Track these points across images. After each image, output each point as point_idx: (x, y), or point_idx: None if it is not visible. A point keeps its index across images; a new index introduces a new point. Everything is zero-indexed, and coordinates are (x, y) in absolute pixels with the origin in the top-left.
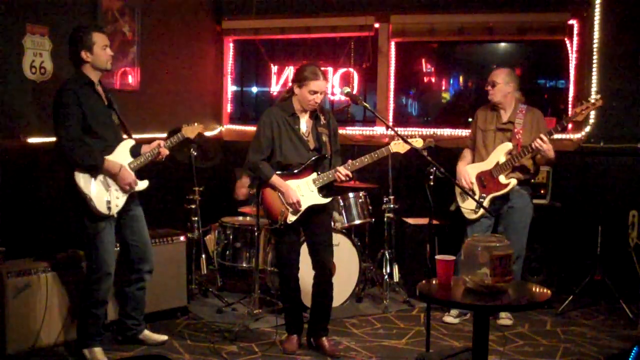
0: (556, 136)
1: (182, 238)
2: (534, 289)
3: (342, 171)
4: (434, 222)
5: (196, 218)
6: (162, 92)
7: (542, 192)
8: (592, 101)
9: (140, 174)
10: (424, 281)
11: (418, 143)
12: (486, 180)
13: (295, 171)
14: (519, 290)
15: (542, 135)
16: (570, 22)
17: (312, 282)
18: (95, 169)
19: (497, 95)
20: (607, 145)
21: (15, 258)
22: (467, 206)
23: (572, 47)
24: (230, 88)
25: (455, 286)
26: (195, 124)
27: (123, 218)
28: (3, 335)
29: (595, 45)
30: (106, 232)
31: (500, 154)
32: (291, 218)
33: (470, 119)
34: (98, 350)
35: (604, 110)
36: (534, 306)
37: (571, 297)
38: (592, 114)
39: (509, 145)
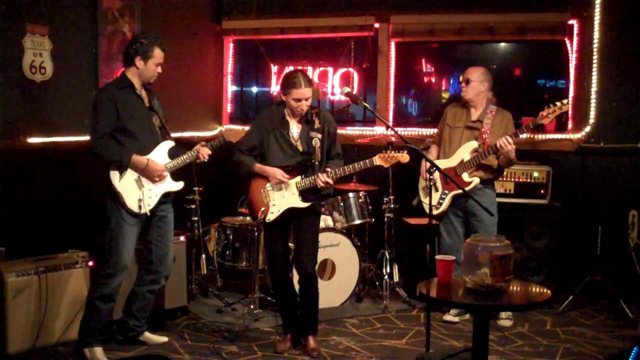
0: (556, 136)
1: (182, 238)
2: (534, 289)
3: (322, 178)
4: (434, 222)
5: (196, 218)
6: (162, 91)
7: (542, 192)
8: (559, 105)
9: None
10: (424, 281)
11: (404, 158)
12: (450, 177)
13: None
14: (519, 290)
15: (507, 137)
16: (570, 22)
17: None
18: (120, 165)
19: (470, 92)
20: (607, 145)
21: (15, 258)
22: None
23: (572, 47)
24: (230, 88)
25: (455, 286)
26: (237, 127)
27: (154, 218)
28: (3, 335)
29: (595, 45)
30: (131, 229)
31: (465, 151)
32: (269, 217)
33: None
34: (98, 350)
35: (604, 110)
36: (534, 306)
37: (571, 297)
38: (592, 114)
39: (474, 144)
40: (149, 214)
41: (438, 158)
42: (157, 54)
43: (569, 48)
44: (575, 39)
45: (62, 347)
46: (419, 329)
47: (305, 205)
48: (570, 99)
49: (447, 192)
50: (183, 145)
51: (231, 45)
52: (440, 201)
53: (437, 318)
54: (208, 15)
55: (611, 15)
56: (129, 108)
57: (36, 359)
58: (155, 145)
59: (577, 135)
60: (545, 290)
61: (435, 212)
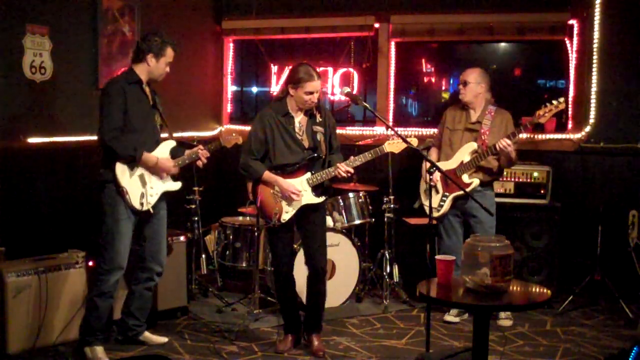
0: (556, 136)
1: (182, 238)
2: (534, 289)
3: (343, 167)
4: (434, 222)
5: (196, 218)
6: (162, 91)
7: (542, 192)
8: (555, 103)
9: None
10: (424, 281)
11: (413, 142)
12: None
13: (289, 170)
14: (519, 290)
15: (506, 139)
16: (570, 22)
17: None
18: (133, 160)
19: (468, 94)
20: (607, 145)
21: (15, 258)
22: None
23: (572, 47)
24: (230, 88)
25: (455, 286)
26: (234, 134)
27: (148, 214)
28: (3, 334)
29: (595, 45)
30: (127, 226)
31: (464, 153)
32: (284, 217)
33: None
34: (99, 349)
35: (604, 110)
36: (534, 306)
37: (571, 297)
38: (592, 114)
39: (473, 145)
40: (151, 211)
41: (438, 160)
42: (170, 53)
43: (569, 48)
44: (575, 39)
45: (62, 347)
46: (419, 329)
47: (320, 200)
48: (570, 98)
49: (447, 194)
50: (183, 146)
51: (231, 45)
52: (442, 203)
53: (437, 318)
54: (208, 15)
55: (611, 15)
56: (136, 104)
57: (36, 359)
58: (156, 144)
59: (577, 135)
60: (545, 290)
61: (436, 214)
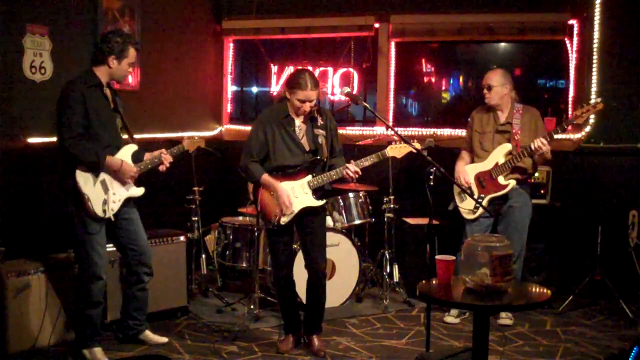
0: (556, 136)
1: (182, 238)
2: (534, 289)
3: (352, 168)
4: (434, 222)
5: (196, 218)
6: (162, 92)
7: (542, 192)
8: (593, 103)
9: (138, 179)
10: (424, 281)
11: (416, 146)
12: (485, 180)
13: (290, 172)
14: (519, 290)
15: (542, 139)
16: (570, 22)
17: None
18: (96, 166)
19: (495, 98)
20: (607, 145)
21: (15, 258)
22: (465, 206)
23: (572, 47)
24: (230, 88)
25: (455, 286)
26: (196, 137)
27: (119, 222)
28: (3, 335)
29: (595, 45)
30: (98, 235)
31: (499, 155)
32: (284, 219)
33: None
34: (98, 350)
35: (604, 110)
36: (534, 306)
37: (571, 297)
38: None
39: (508, 146)
40: (112, 218)
41: (472, 163)
42: (132, 53)
43: (569, 48)
44: (575, 39)
45: (62, 347)
46: (419, 329)
47: (320, 203)
48: (570, 99)
49: (483, 196)
50: (143, 150)
51: (231, 45)
52: (477, 205)
53: (437, 318)
54: (208, 15)
55: (611, 15)
56: (97, 109)
57: (36, 359)
58: (118, 148)
59: (577, 135)
60: (545, 290)
61: (472, 216)
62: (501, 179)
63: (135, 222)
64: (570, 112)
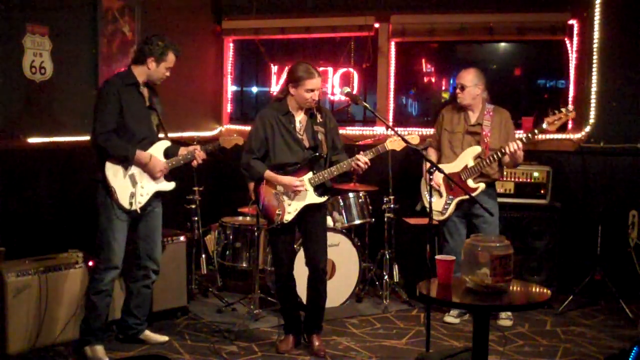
0: (556, 136)
1: (182, 238)
2: (534, 289)
3: (362, 158)
4: (434, 222)
5: (196, 218)
6: (162, 91)
7: (542, 192)
8: (565, 112)
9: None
10: (424, 281)
11: (414, 140)
12: (454, 182)
13: (290, 170)
14: (519, 290)
15: (517, 142)
16: (570, 22)
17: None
18: (126, 160)
19: (467, 98)
20: (607, 145)
21: (15, 258)
22: (434, 207)
23: (572, 47)
24: (230, 88)
25: (455, 286)
26: (234, 135)
27: (142, 214)
28: (3, 335)
29: (595, 45)
30: (121, 226)
31: (469, 157)
32: (287, 217)
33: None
34: (99, 348)
35: (604, 110)
36: (534, 306)
37: (571, 297)
38: (592, 114)
39: (477, 149)
40: (139, 211)
41: (438, 162)
42: (171, 58)
43: (569, 48)
44: (575, 39)
45: (62, 347)
46: (419, 329)
47: (322, 200)
48: (570, 99)
49: (452, 197)
50: (178, 145)
51: (231, 45)
52: (446, 207)
53: (437, 318)
54: (208, 15)
55: (611, 15)
56: (132, 106)
57: (36, 359)
58: (152, 143)
59: (577, 135)
60: (545, 290)
61: (440, 217)
62: (471, 182)
63: (157, 218)
64: (543, 122)
